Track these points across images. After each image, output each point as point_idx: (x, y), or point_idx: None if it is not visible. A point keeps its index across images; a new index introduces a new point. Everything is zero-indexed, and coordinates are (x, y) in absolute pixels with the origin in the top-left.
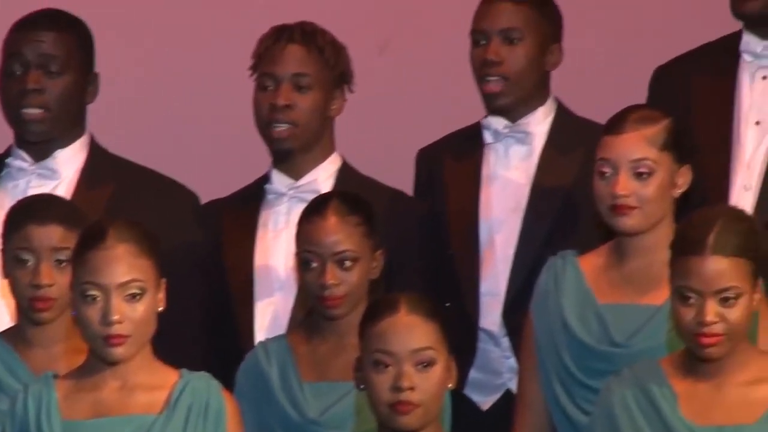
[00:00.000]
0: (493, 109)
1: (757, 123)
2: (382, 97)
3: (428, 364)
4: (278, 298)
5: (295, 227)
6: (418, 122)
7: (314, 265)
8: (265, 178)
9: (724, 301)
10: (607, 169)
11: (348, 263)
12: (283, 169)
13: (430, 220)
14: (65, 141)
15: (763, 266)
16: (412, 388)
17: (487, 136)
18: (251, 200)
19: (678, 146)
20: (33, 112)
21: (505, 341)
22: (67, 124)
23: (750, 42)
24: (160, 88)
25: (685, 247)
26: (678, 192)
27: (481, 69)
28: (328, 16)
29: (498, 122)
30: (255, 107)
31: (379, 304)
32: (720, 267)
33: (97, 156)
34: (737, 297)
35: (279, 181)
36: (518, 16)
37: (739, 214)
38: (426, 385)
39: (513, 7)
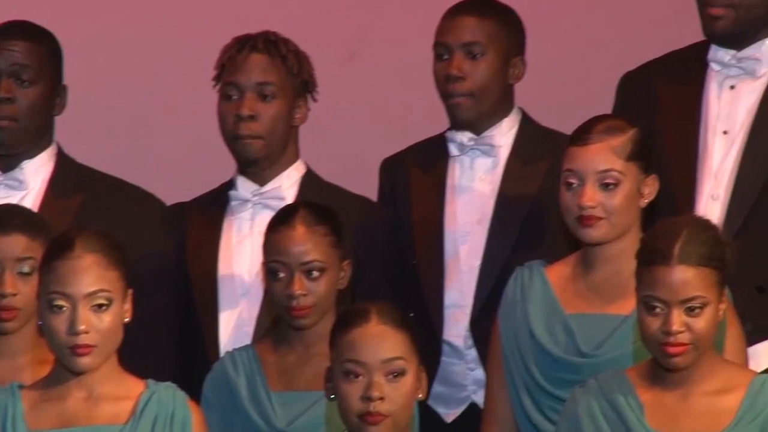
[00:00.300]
0: (457, 123)
1: (725, 132)
2: (348, 106)
3: (399, 374)
4: (242, 305)
5: (259, 234)
6: (383, 131)
7: (282, 275)
8: (230, 184)
9: (690, 311)
10: (573, 180)
11: (316, 273)
12: (247, 175)
13: (395, 229)
14: (33, 152)
15: (729, 275)
16: (382, 399)
17: (453, 149)
18: (215, 206)
19: (644, 156)
20: (2, 122)
21: (470, 353)
22: (35, 135)
23: (718, 51)
24: (126, 98)
25: (652, 257)
26: (645, 202)
27: (445, 83)
28: (295, 27)
29: (463, 135)
30: (220, 117)
31: (350, 313)
32: (686, 276)
33: (64, 166)
34: (703, 306)
35: (243, 187)
36: (480, 31)
37: (704, 223)
38: (396, 395)
39: (475, 22)
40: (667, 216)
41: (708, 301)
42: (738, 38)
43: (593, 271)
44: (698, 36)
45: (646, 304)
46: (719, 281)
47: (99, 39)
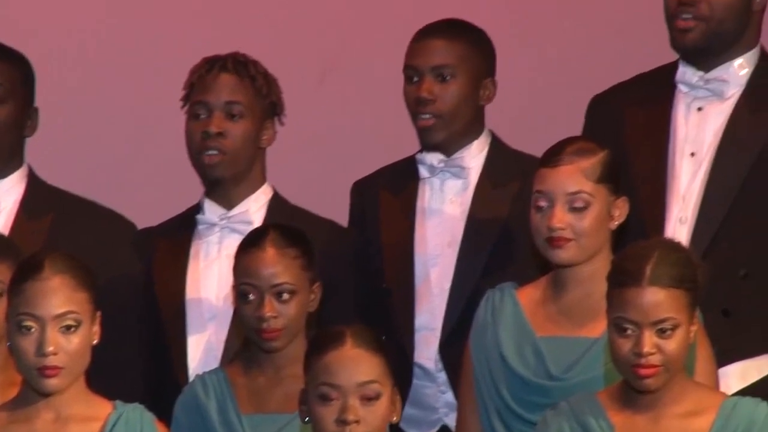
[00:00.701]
0: (427, 145)
1: (692, 154)
2: (318, 129)
3: (373, 397)
4: (211, 328)
5: (226, 258)
6: (353, 154)
7: (252, 297)
8: (197, 208)
9: (662, 333)
10: (543, 202)
11: (286, 296)
12: (214, 198)
13: (364, 252)
14: (3, 173)
15: (700, 297)
16: (357, 422)
17: (423, 171)
18: (183, 230)
19: (614, 178)
20: None
21: (441, 376)
22: (6, 157)
23: (686, 73)
24: (97, 121)
25: (622, 279)
26: (615, 224)
27: (415, 106)
28: (266, 48)
29: (433, 157)
30: (187, 136)
31: (324, 336)
32: (657, 298)
33: (35, 187)
34: (674, 328)
35: (211, 210)
36: (450, 53)
37: (675, 245)
38: (371, 418)
39: (445, 44)
40: (636, 238)
41: (679, 322)
42: (706, 53)
43: (564, 294)
44: (668, 58)
45: (617, 326)
46: (690, 303)
47: (69, 60)
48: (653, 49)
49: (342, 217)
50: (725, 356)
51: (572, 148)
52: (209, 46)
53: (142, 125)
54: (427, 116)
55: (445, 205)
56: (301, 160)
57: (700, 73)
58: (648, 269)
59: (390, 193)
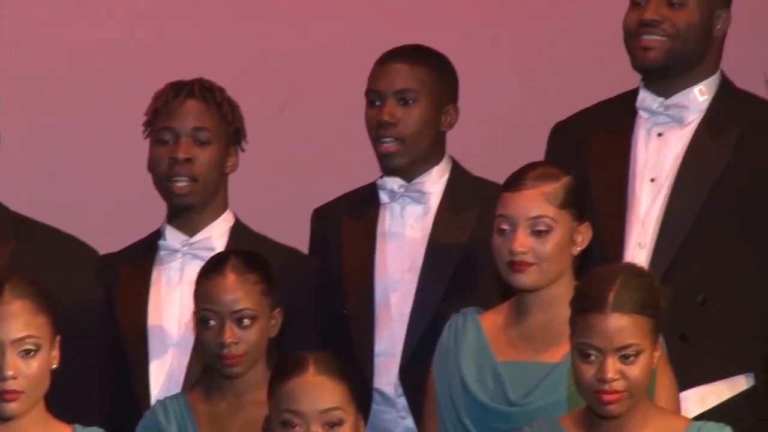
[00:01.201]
0: (388, 170)
1: (652, 180)
2: (280, 156)
3: (336, 424)
4: (173, 355)
5: (188, 284)
6: (314, 181)
7: (213, 323)
8: (158, 234)
9: (625, 358)
10: (505, 226)
11: (247, 321)
12: (176, 225)
13: (324, 279)
14: None
15: (663, 323)
16: None
17: (383, 196)
18: (144, 255)
19: (578, 204)
20: None
21: (401, 401)
22: None
23: (646, 99)
24: (59, 146)
25: (586, 305)
26: (577, 249)
27: (377, 130)
28: (228, 75)
29: (393, 182)
30: (153, 162)
31: (287, 363)
32: (620, 324)
33: None
34: (638, 354)
35: (172, 237)
36: (413, 78)
37: (638, 271)
38: None
39: (408, 69)
40: (597, 263)
41: (642, 348)
42: (668, 73)
43: (526, 319)
44: (630, 84)
45: (580, 352)
46: (653, 329)
47: (30, 85)
48: (615, 76)
49: (303, 244)
50: (684, 381)
51: (535, 173)
52: (171, 72)
53: (103, 151)
54: (389, 140)
55: (406, 230)
56: (263, 187)
57: (660, 99)
58: (611, 295)
59: (351, 219)
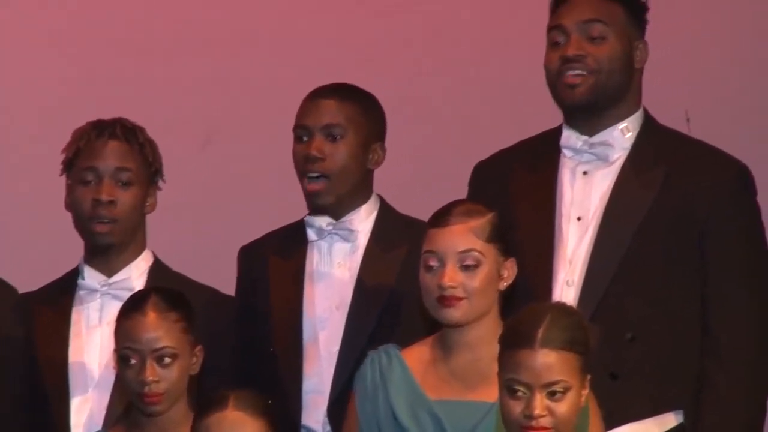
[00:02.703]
0: (315, 208)
1: (579, 219)
2: (203, 193)
3: None
4: (93, 395)
5: (108, 325)
6: (240, 218)
7: (133, 361)
8: (76, 273)
9: (552, 395)
10: (433, 262)
11: (167, 360)
12: (95, 264)
13: (246, 318)
14: None
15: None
16: None
17: (311, 234)
18: (63, 295)
19: (502, 239)
20: None
21: None
22: None
23: (570, 137)
24: None
25: (515, 341)
26: (504, 285)
27: (304, 165)
28: (151, 112)
29: (321, 220)
30: (74, 202)
31: (209, 400)
32: (549, 360)
33: None
34: (565, 391)
35: (91, 276)
36: (341, 114)
37: (567, 308)
38: None
39: (336, 105)
40: (523, 302)
41: (570, 385)
42: (594, 109)
43: (453, 357)
44: (554, 122)
45: (508, 388)
46: (582, 366)
47: None
48: (540, 114)
49: (225, 282)
50: (613, 419)
51: (461, 209)
52: (93, 109)
53: (20, 190)
54: (316, 175)
55: (334, 268)
56: (185, 225)
57: (584, 137)
58: (540, 332)
59: (278, 257)
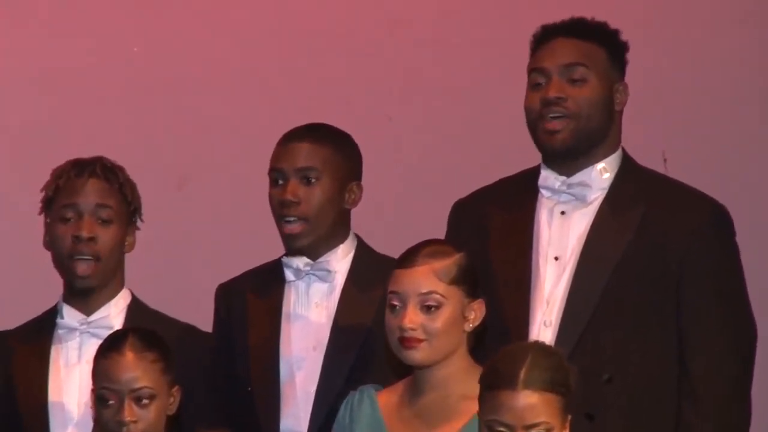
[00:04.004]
0: (293, 251)
1: (556, 258)
2: (178, 233)
3: None
4: None
5: (87, 363)
6: (214, 258)
7: (111, 402)
8: (55, 312)
9: None
10: (396, 302)
11: (145, 400)
12: (73, 303)
13: (224, 356)
14: None
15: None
16: None
17: (289, 274)
18: (42, 334)
19: (469, 281)
20: None
21: None
22: None
23: (548, 177)
24: None
25: (496, 382)
26: (469, 326)
27: (280, 209)
28: (127, 151)
29: (299, 260)
30: (54, 239)
31: None
32: (530, 402)
33: None
34: None
35: (70, 315)
36: (315, 156)
37: (548, 349)
38: None
39: (310, 147)
40: (499, 341)
41: (552, 426)
42: (574, 153)
43: (421, 397)
44: (533, 161)
45: (489, 429)
46: (563, 407)
47: None
48: (519, 154)
49: (202, 321)
50: None
51: (427, 250)
52: (69, 151)
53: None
54: (293, 219)
55: (311, 308)
56: (162, 264)
57: (563, 177)
58: (522, 372)
59: (256, 296)
